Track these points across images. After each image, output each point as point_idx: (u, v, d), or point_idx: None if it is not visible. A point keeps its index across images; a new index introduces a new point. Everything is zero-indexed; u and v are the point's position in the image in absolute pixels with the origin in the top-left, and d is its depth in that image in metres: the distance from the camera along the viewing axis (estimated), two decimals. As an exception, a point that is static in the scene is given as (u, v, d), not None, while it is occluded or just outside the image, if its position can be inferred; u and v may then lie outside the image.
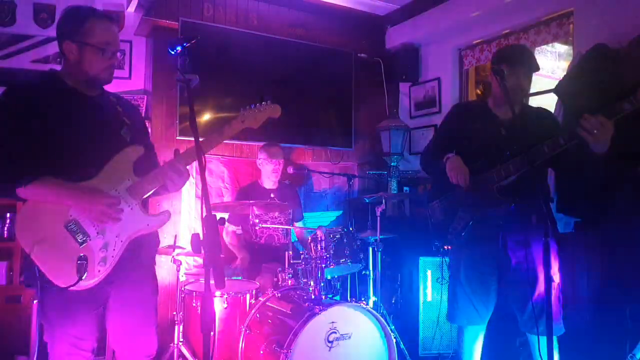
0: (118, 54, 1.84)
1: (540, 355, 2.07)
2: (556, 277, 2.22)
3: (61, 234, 1.67)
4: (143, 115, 3.05)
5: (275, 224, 3.57)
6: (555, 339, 1.92)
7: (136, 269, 1.86)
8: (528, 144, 2.02)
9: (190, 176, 2.71)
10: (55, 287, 1.63)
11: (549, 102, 3.33)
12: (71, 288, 1.62)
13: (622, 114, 1.91)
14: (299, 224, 3.81)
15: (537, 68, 2.29)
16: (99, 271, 1.70)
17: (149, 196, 1.84)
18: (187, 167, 1.83)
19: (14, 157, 1.63)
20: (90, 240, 1.70)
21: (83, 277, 1.63)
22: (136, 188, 1.78)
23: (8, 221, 3.48)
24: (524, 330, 2.28)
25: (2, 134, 1.65)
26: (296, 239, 3.84)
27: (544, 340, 1.99)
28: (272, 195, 3.62)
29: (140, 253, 1.86)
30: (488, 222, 2.23)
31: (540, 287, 2.15)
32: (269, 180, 3.68)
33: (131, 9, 3.79)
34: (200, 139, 1.63)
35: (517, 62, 2.25)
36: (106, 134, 1.81)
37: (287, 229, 3.65)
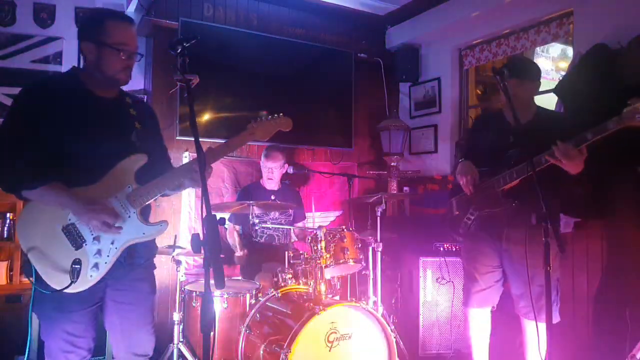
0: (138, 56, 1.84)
1: (537, 350, 2.17)
2: (556, 272, 2.38)
3: (58, 236, 1.69)
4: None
5: (275, 225, 3.56)
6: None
7: (133, 270, 1.85)
8: (531, 151, 2.08)
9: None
10: (50, 286, 1.66)
11: (549, 102, 3.33)
12: (64, 291, 1.65)
13: (587, 143, 2.01)
14: (300, 224, 3.79)
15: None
16: (91, 276, 1.71)
17: (151, 201, 1.83)
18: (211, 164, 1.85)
19: (23, 160, 1.65)
20: (86, 245, 1.71)
21: (75, 281, 1.64)
22: (136, 196, 1.78)
23: (8, 221, 3.48)
24: (519, 313, 2.47)
25: (14, 136, 1.68)
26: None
27: (541, 327, 2.13)
28: (272, 197, 3.61)
29: (138, 255, 1.86)
30: (493, 219, 2.44)
31: (539, 279, 2.23)
32: (270, 181, 3.67)
33: (131, 9, 3.79)
34: (206, 148, 1.70)
35: (526, 76, 2.42)
36: (114, 139, 1.80)
37: (287, 229, 3.64)
